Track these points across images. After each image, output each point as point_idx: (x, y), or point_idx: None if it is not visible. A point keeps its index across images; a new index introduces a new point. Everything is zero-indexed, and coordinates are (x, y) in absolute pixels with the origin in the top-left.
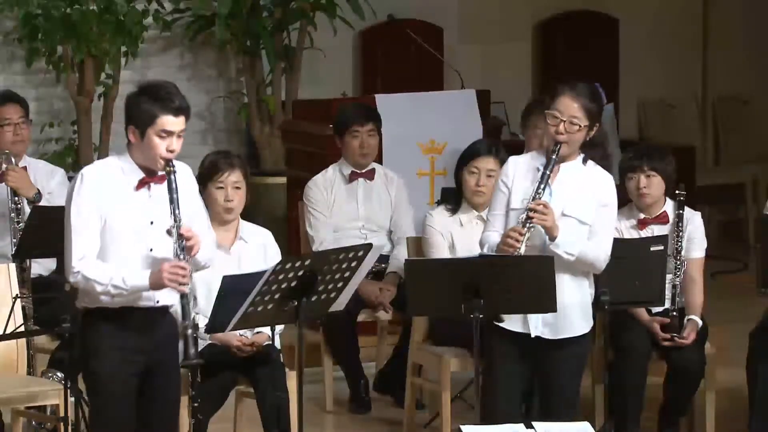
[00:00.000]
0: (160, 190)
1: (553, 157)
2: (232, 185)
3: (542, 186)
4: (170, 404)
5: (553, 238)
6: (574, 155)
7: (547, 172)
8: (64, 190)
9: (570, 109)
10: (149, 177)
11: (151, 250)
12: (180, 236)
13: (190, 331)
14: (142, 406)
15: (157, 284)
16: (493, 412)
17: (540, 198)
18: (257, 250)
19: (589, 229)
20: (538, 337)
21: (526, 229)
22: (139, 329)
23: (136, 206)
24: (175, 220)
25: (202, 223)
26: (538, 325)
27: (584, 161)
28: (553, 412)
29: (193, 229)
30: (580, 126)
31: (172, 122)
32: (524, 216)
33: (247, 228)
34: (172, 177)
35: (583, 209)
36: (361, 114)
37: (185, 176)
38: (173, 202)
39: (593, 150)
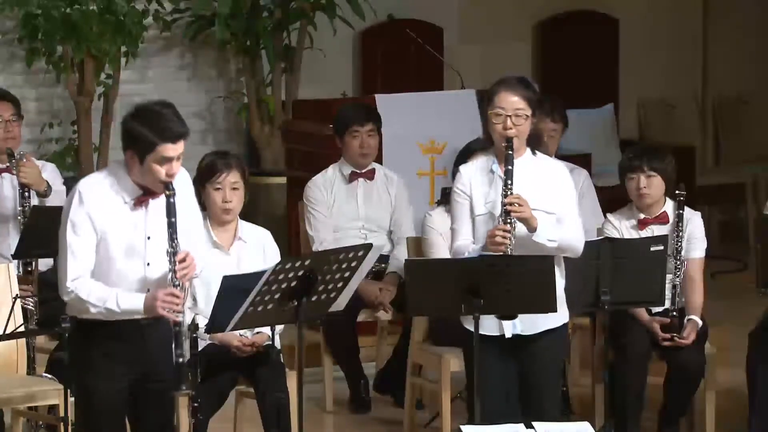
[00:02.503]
0: (156, 204)
1: (510, 153)
2: (230, 186)
3: (510, 182)
4: (165, 411)
5: (533, 230)
6: (522, 149)
7: (510, 168)
8: (54, 179)
9: (512, 102)
10: (147, 195)
11: (148, 264)
12: (176, 262)
13: (182, 360)
14: (137, 415)
15: (150, 311)
16: (485, 415)
17: (511, 193)
18: (256, 250)
19: (556, 217)
20: (516, 336)
21: (509, 225)
22: (131, 339)
23: (133, 222)
24: (173, 246)
25: (197, 231)
26: (515, 324)
27: (533, 152)
28: (540, 406)
29: (190, 252)
30: (526, 116)
31: (171, 149)
32: (503, 215)
33: (246, 228)
34: (172, 200)
35: (545, 200)
36: (361, 114)
37: (183, 182)
38: (171, 226)
39: (538, 143)
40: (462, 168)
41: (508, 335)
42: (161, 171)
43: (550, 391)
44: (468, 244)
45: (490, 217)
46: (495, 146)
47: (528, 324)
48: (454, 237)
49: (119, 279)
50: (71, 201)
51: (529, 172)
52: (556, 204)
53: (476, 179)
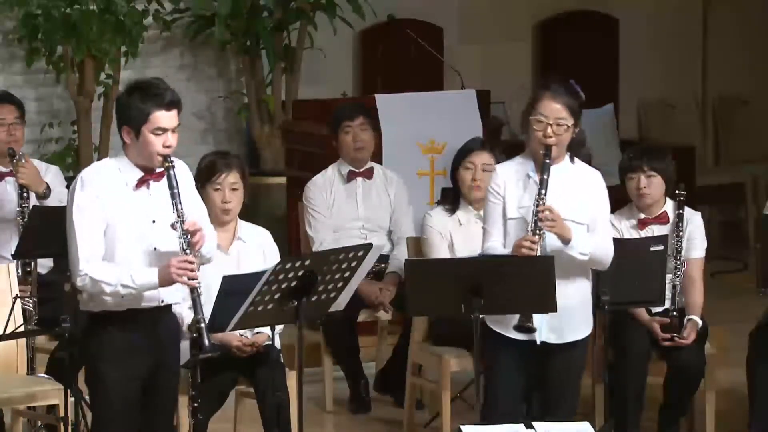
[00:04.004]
0: (159, 188)
1: (547, 161)
2: (230, 187)
3: (543, 192)
4: (170, 403)
5: (566, 242)
6: (561, 156)
7: (545, 177)
8: (58, 182)
9: (554, 110)
10: (148, 175)
11: (155, 248)
12: (185, 231)
13: (203, 325)
14: (143, 406)
15: (166, 280)
16: (495, 415)
17: (543, 204)
18: (256, 250)
19: (588, 227)
20: (543, 343)
21: (537, 237)
22: (144, 331)
23: (137, 206)
24: (179, 215)
25: (202, 217)
26: (542, 331)
27: (572, 160)
28: (555, 413)
29: (196, 222)
30: (567, 126)
31: (165, 117)
32: (532, 224)
33: (246, 228)
34: (172, 172)
35: (577, 211)
36: (350, 109)
37: (183, 173)
38: (175, 197)
39: (579, 149)
40: (499, 168)
41: (538, 342)
42: (158, 142)
43: (569, 398)
44: (497, 247)
45: (522, 223)
46: (533, 151)
47: (558, 333)
48: (485, 238)
49: (128, 264)
50: (75, 188)
51: (565, 179)
52: (589, 214)
53: (511, 181)
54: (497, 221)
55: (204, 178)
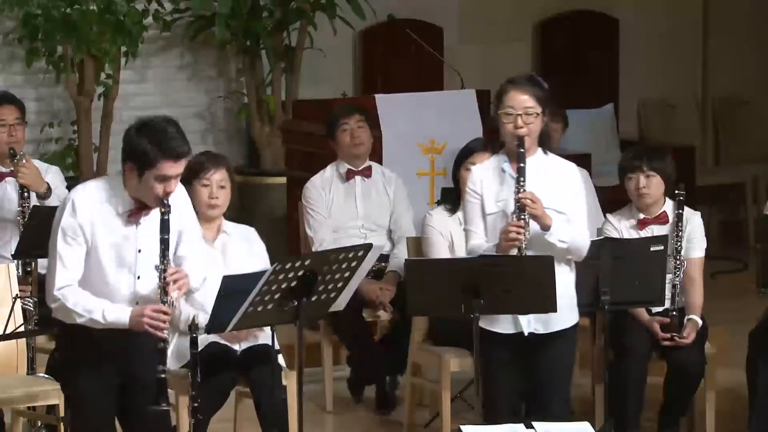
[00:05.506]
0: (149, 218)
1: (521, 150)
2: (217, 184)
3: (522, 179)
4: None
5: (546, 228)
6: (533, 149)
7: (522, 165)
8: (58, 182)
9: (521, 101)
10: (140, 210)
11: (138, 277)
12: (165, 280)
13: (163, 376)
14: (125, 418)
15: (136, 326)
16: (493, 414)
17: (524, 191)
18: (240, 242)
19: (566, 217)
20: (531, 334)
21: (522, 221)
22: (117, 341)
23: (125, 234)
24: (163, 263)
25: (194, 241)
26: (530, 322)
27: (545, 152)
28: (548, 406)
29: (191, 267)
30: (536, 113)
31: (172, 167)
32: (516, 210)
33: (230, 224)
34: (167, 217)
35: (556, 199)
36: (347, 108)
37: (182, 199)
38: (164, 243)
39: (549, 141)
40: (474, 168)
41: (526, 333)
42: (159, 188)
43: (560, 392)
44: (482, 243)
45: (502, 216)
46: (506, 145)
47: (543, 322)
48: (468, 237)
49: (109, 290)
50: (63, 209)
51: (541, 171)
52: (567, 204)
53: (487, 178)
54: (478, 219)
55: (192, 175)
